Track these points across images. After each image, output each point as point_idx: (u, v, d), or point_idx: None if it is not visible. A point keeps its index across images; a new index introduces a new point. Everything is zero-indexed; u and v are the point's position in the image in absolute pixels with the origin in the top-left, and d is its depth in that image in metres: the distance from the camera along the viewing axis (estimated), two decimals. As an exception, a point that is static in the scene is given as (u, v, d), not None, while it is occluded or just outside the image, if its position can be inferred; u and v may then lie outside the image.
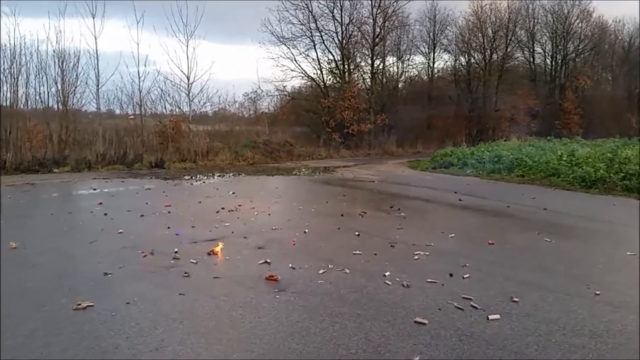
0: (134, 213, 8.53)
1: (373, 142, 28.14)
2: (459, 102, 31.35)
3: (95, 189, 11.87)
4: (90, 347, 3.42)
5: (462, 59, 32.98)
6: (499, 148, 17.43)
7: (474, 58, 32.48)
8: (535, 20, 34.45)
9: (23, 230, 7.33)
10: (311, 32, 27.75)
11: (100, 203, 9.50)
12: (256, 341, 3.50)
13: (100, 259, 5.63)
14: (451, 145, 25.96)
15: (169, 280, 4.88)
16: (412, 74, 33.47)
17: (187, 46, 20.73)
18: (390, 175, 15.79)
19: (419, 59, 33.64)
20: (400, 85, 33.40)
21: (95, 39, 18.80)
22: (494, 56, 31.77)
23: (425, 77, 33.70)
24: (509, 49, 32.11)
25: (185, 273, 5.07)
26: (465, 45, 32.10)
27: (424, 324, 3.78)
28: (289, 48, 27.61)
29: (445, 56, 34.26)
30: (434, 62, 33.00)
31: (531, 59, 35.61)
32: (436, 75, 33.52)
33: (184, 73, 21.03)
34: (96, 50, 18.80)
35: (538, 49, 35.66)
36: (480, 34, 31.48)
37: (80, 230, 7.48)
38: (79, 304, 4.16)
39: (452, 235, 6.88)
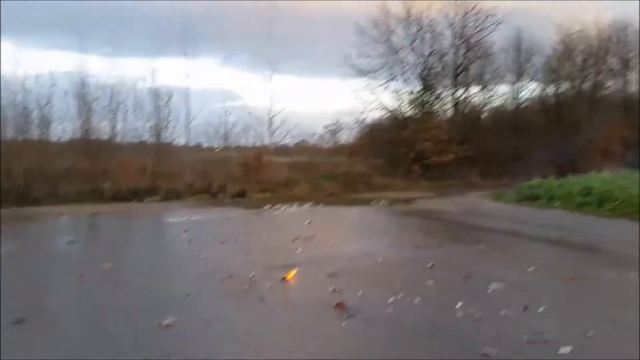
0: (216, 240, 8.97)
1: (455, 173, 27.58)
2: (547, 133, 30.06)
3: (182, 218, 12.60)
4: (170, 362, 3.68)
5: (550, 88, 31.73)
6: (589, 180, 16.49)
7: (563, 87, 31.17)
8: (629, 47, 32.60)
9: (116, 253, 7.95)
10: (391, 65, 28.05)
11: (186, 231, 10.09)
12: (322, 364, 3.61)
13: (183, 281, 6.01)
14: (539, 177, 24.87)
15: (245, 303, 5.12)
16: (496, 103, 32.66)
17: (270, 81, 21.68)
18: (472, 208, 15.40)
19: (503, 88, 32.80)
20: (483, 115, 32.65)
21: (187, 76, 20.22)
22: (584, 85, 30.33)
23: (511, 106, 32.72)
24: (599, 78, 30.55)
25: (260, 297, 5.29)
26: (553, 74, 30.93)
27: (492, 356, 3.70)
28: (368, 81, 28.03)
29: (532, 85, 33.14)
30: (519, 92, 32.02)
31: (625, 88, 33.58)
32: (522, 105, 32.45)
33: (266, 108, 21.95)
34: (187, 87, 20.18)
35: (634, 76, 33.59)
36: (568, 63, 30.25)
37: (167, 255, 8.02)
38: (163, 322, 4.48)
39: (531, 269, 6.63)
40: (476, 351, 3.80)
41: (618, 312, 4.79)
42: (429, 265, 6.84)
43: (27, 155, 16.24)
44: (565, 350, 3.78)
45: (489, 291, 5.55)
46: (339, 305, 4.97)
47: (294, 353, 3.84)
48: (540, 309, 4.83)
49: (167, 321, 4.49)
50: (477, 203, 17.01)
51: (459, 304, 4.94)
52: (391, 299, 5.15)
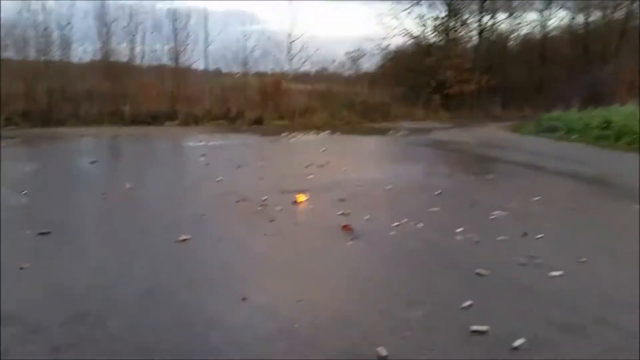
0: (232, 164, 9.24)
1: (476, 103, 27.16)
2: (574, 64, 29.08)
3: (200, 142, 12.86)
4: (185, 272, 4.00)
5: (580, 17, 30.31)
6: (611, 114, 16.17)
7: (593, 16, 29.74)
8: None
9: (137, 174, 8.29)
10: (417, -13, 26.98)
11: (204, 154, 10.36)
12: (324, 278, 3.90)
13: (199, 202, 6.32)
14: (561, 109, 24.38)
15: (256, 223, 5.41)
16: (523, 32, 31.44)
17: (291, 5, 21.12)
18: (488, 139, 15.36)
19: (532, 15, 31.42)
20: (510, 43, 31.56)
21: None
22: (616, 14, 28.86)
23: (538, 35, 31.51)
24: (633, 6, 28.97)
25: (271, 218, 5.57)
26: (584, 1, 29.44)
27: (484, 275, 3.94)
28: (392, 4, 27.13)
29: (562, 13, 31.67)
30: (548, 20, 30.68)
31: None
32: (550, 34, 31.21)
33: (285, 32, 21.53)
34: (205, 9, 19.84)
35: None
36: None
37: (185, 177, 8.34)
38: (179, 238, 4.80)
39: (538, 198, 6.77)
40: (470, 271, 4.04)
41: (614, 242, 4.97)
42: (437, 193, 7.03)
43: (49, 77, 16.43)
44: (556, 273, 3.99)
45: (491, 218, 5.75)
46: (346, 228, 5.22)
47: (299, 269, 4.13)
48: (539, 236, 5.02)
49: (183, 237, 4.81)
50: (495, 134, 16.92)
51: (460, 229, 5.16)
52: (395, 223, 5.38)
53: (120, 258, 4.35)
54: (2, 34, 16.54)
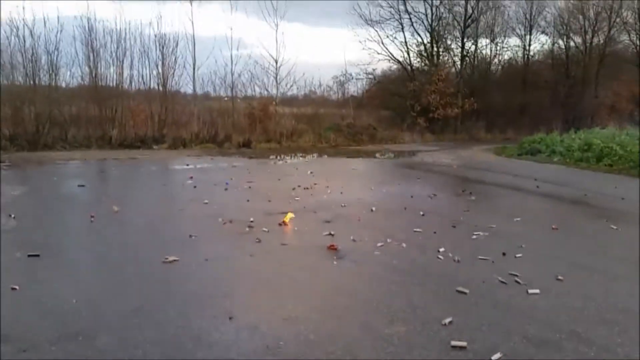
0: (220, 187, 9.34)
1: (460, 127, 27.62)
2: (555, 88, 29.77)
3: (188, 165, 12.95)
4: (172, 292, 4.08)
5: (561, 42, 31.16)
6: (591, 136, 16.60)
7: (574, 41, 30.59)
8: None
9: (124, 197, 8.35)
10: (400, 15, 27.67)
11: (191, 177, 10.45)
12: (309, 296, 4.02)
13: (187, 224, 6.40)
14: (543, 132, 24.87)
15: (243, 244, 5.51)
16: (506, 57, 32.20)
17: (277, 30, 21.46)
18: (472, 161, 15.65)
19: (514, 41, 32.26)
20: (492, 68, 32.27)
21: (192, 24, 20.12)
22: (595, 39, 29.74)
23: (520, 60, 32.27)
24: (612, 32, 29.90)
25: (257, 239, 5.67)
26: (565, 27, 30.31)
27: (464, 293, 4.07)
28: (376, 31, 27.74)
29: (543, 38, 32.55)
30: (529, 45, 31.49)
31: (638, 42, 32.86)
32: (532, 59, 32.00)
33: (272, 56, 21.83)
34: (193, 35, 20.08)
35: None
36: (580, 16, 29.57)
37: (172, 199, 8.41)
38: (167, 258, 4.88)
39: (518, 219, 6.96)
40: (452, 288, 4.17)
41: (592, 260, 5.14)
42: (421, 213, 7.19)
43: (37, 101, 16.48)
44: (534, 291, 4.14)
45: (473, 237, 5.91)
46: (331, 247, 5.35)
47: (285, 286, 4.24)
48: (519, 255, 5.19)
49: (171, 258, 4.89)
50: (479, 157, 17.23)
51: (442, 249, 5.31)
52: (380, 243, 5.52)
53: (108, 279, 4.42)
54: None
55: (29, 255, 4.89)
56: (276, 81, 21.85)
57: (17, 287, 4.02)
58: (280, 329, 3.36)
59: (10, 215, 6.61)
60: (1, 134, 15.32)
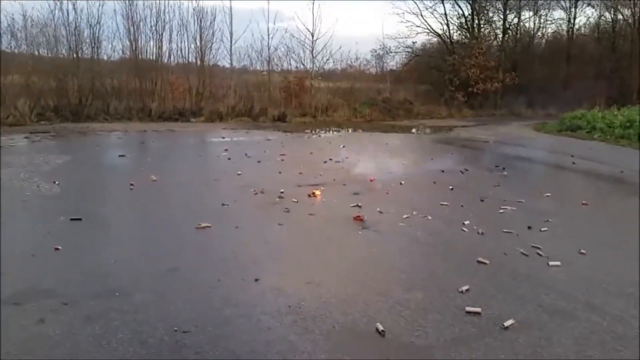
0: (253, 159, 9.56)
1: (500, 102, 26.99)
2: (600, 63, 28.63)
3: (223, 138, 13.24)
4: (204, 255, 4.32)
5: (608, 15, 29.82)
6: (634, 112, 16.02)
7: (622, 14, 29.20)
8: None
9: (162, 167, 8.66)
10: (441, -15, 26.99)
11: (226, 149, 10.72)
12: (332, 263, 4.18)
13: (220, 193, 6.65)
14: (586, 108, 24.07)
15: (272, 214, 5.71)
16: (550, 30, 31.08)
17: (313, 3, 21.36)
18: (509, 137, 15.38)
19: (558, 14, 31.08)
20: (535, 42, 31.23)
21: (230, -3, 20.11)
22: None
23: (565, 33, 31.11)
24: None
25: (286, 209, 5.86)
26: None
27: (485, 263, 4.16)
28: (415, 3, 27.28)
29: (589, 11, 31.23)
30: (575, 18, 30.26)
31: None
32: (577, 32, 30.79)
33: (308, 30, 21.77)
34: (230, 8, 20.22)
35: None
36: (630, -14, 28.15)
37: (207, 170, 8.70)
38: (200, 224, 5.12)
39: (548, 194, 6.91)
40: (473, 259, 4.26)
41: (618, 236, 5.13)
42: (450, 187, 7.22)
43: (79, 73, 17.04)
44: (554, 263, 4.19)
45: (500, 212, 5.94)
46: (357, 218, 5.49)
47: (310, 254, 4.41)
48: (544, 229, 5.20)
49: (204, 224, 5.13)
50: (516, 133, 16.90)
51: (467, 222, 5.37)
52: (405, 215, 5.62)
53: (145, 242, 4.71)
54: (33, 33, 17.24)
55: (72, 219, 5.22)
56: (312, 55, 21.84)
57: (59, 248, 4.34)
58: (302, 292, 3.54)
59: (54, 182, 7.01)
60: (46, 105, 15.97)
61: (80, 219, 5.25)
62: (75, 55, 17.50)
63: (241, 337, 2.93)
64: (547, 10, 29.77)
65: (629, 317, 3.26)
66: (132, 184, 6.99)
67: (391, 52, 28.30)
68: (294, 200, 6.29)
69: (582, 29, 30.90)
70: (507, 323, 3.13)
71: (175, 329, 2.99)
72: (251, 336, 2.94)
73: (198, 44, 19.61)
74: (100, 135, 13.06)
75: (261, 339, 2.91)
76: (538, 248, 4.53)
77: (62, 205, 5.91)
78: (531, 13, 29.46)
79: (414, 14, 27.59)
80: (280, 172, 8.19)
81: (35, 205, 5.99)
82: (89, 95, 16.91)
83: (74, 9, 17.20)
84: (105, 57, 18.85)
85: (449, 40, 27.92)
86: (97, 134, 13.23)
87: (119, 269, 3.95)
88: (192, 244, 4.65)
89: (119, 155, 9.71)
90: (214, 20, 19.66)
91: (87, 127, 14.65)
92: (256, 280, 3.73)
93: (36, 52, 17.64)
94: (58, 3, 16.92)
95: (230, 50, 20.73)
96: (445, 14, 27.58)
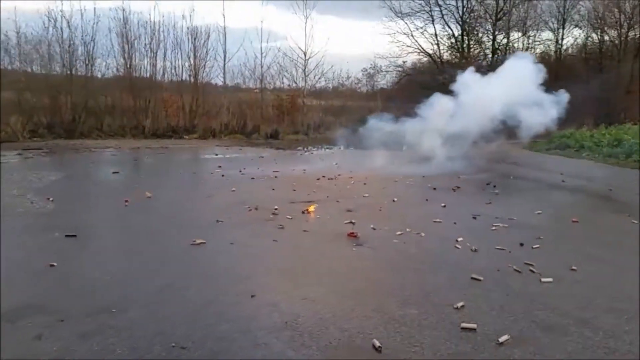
0: (247, 176, 9.61)
1: (492, 120, 27.26)
2: (588, 82, 29.08)
3: (217, 155, 13.30)
4: (199, 272, 4.33)
5: (595, 36, 30.40)
6: (622, 132, 16.28)
7: (608, 35, 29.80)
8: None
9: (156, 183, 8.68)
10: (430, 7, 27.45)
11: (220, 166, 10.76)
12: (327, 279, 4.20)
13: (214, 210, 6.67)
14: (574, 127, 24.38)
15: (266, 230, 5.73)
16: (538, 50, 31.58)
17: (306, 23, 21.61)
18: (499, 155, 15.49)
19: (546, 34, 31.58)
20: (524, 62, 31.61)
21: (224, 17, 20.42)
22: (631, 33, 28.88)
23: (553, 54, 31.62)
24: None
25: (280, 225, 5.89)
26: (599, 21, 29.54)
27: (479, 280, 4.20)
28: (406, 23, 27.60)
29: (576, 32, 31.78)
30: (562, 39, 30.81)
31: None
32: (565, 53, 31.32)
33: (300, 49, 21.98)
34: (224, 28, 20.41)
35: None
36: (616, 9, 28.76)
37: (201, 186, 8.72)
38: (195, 241, 5.13)
39: (539, 212, 6.99)
40: (466, 275, 4.30)
41: (609, 252, 5.18)
42: (442, 205, 7.29)
43: (73, 91, 17.07)
44: (546, 279, 4.24)
45: (492, 229, 6.00)
46: (351, 235, 5.53)
47: (305, 270, 4.44)
48: (536, 246, 5.26)
49: (199, 240, 5.15)
50: (506, 150, 17.05)
51: (460, 239, 5.42)
52: (399, 232, 5.66)
53: (140, 258, 4.70)
54: (27, 49, 17.28)
55: (67, 236, 5.22)
56: (304, 73, 22.03)
57: (54, 264, 4.33)
58: (298, 308, 3.56)
59: (48, 199, 7.00)
60: (39, 121, 15.96)
61: (75, 236, 5.25)
62: (69, 72, 17.54)
63: (239, 352, 2.94)
64: (535, 31, 30.30)
65: (621, 332, 3.31)
66: (126, 201, 7.00)
67: (382, 71, 28.63)
68: (288, 216, 6.32)
69: (570, 49, 31.45)
70: (502, 339, 3.17)
71: (173, 344, 3.00)
72: (249, 352, 2.95)
73: (192, 62, 19.78)
74: (94, 152, 13.06)
75: (258, 355, 2.92)
76: (531, 265, 4.58)
77: (56, 222, 5.90)
78: (520, 34, 29.96)
79: (404, 34, 27.80)
80: (273, 189, 8.23)
81: (30, 221, 5.98)
82: (83, 113, 16.93)
83: (69, 26, 17.34)
84: (99, 75, 18.94)
85: (439, 59, 28.28)
86: (90, 151, 13.22)
87: (114, 285, 3.95)
88: (187, 260, 4.66)
89: (113, 172, 9.71)
90: (208, 39, 19.87)
91: (80, 144, 14.65)
92: (252, 296, 3.74)
93: (29, 69, 17.68)
94: (52, 20, 17.00)
95: (224, 69, 20.90)
96: (436, 34, 28.00)
